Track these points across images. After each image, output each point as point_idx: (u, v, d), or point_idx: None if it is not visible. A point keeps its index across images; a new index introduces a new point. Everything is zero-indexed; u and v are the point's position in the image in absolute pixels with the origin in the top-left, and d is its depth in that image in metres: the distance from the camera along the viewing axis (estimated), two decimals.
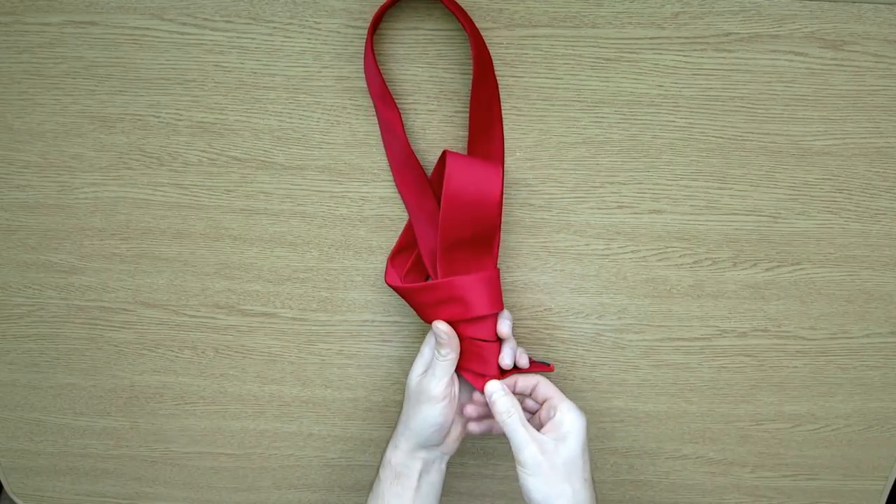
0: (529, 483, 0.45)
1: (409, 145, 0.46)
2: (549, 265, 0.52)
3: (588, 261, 0.52)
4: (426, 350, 0.50)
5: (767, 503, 0.63)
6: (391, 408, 0.59)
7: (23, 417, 0.62)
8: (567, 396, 0.48)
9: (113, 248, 0.53)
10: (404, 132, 0.46)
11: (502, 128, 0.47)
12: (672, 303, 0.53)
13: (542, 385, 0.49)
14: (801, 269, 0.52)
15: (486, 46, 0.44)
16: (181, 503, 0.66)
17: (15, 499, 0.66)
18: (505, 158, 0.48)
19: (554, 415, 0.47)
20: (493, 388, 0.47)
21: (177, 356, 0.58)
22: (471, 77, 0.45)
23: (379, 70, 0.44)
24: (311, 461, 0.63)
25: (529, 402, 0.50)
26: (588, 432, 0.47)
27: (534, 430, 0.46)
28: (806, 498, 0.63)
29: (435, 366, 0.48)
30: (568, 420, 0.46)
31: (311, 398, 0.59)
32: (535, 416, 0.50)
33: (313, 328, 0.56)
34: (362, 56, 0.45)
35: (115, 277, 0.54)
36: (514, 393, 0.49)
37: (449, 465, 0.63)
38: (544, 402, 0.48)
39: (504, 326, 0.48)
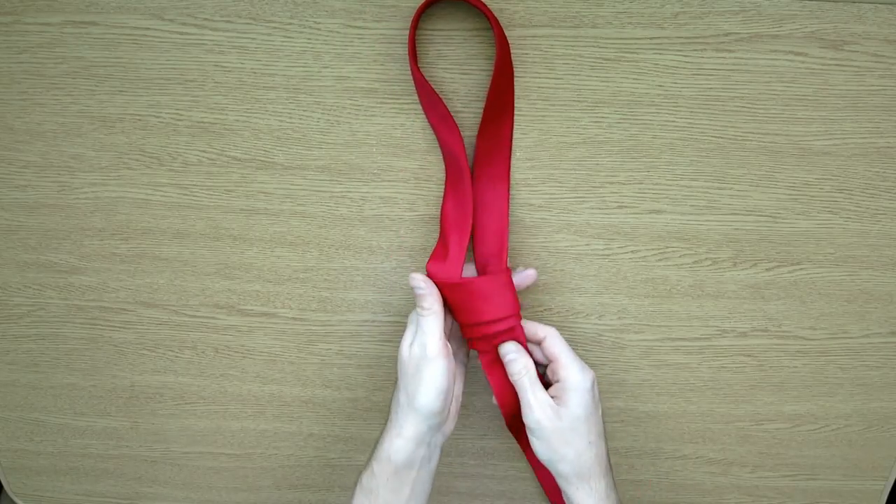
0: (535, 445, 0.47)
1: (469, 169, 0.47)
2: (549, 265, 0.52)
3: (588, 261, 0.52)
4: (411, 325, 0.48)
5: (767, 503, 0.63)
6: None
7: (23, 417, 0.62)
8: (575, 353, 0.47)
9: (113, 248, 0.53)
10: (465, 154, 0.46)
11: (513, 120, 0.47)
12: (672, 303, 0.53)
13: (548, 340, 0.48)
14: (801, 269, 0.52)
15: (505, 38, 0.43)
16: (181, 503, 0.66)
17: (15, 499, 0.66)
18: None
19: (559, 378, 0.46)
20: (509, 348, 0.47)
21: (177, 356, 0.58)
22: (470, 76, 0.45)
23: (433, 90, 0.45)
24: (311, 461, 0.63)
25: (538, 355, 0.49)
26: (596, 391, 0.47)
27: (542, 393, 0.46)
28: (806, 498, 0.63)
29: (421, 325, 0.46)
30: (571, 384, 0.46)
31: (311, 398, 0.59)
32: (546, 372, 0.49)
33: (313, 328, 0.56)
34: (362, 56, 0.45)
35: (115, 277, 0.54)
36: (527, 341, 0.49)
37: (449, 464, 0.63)
38: (552, 361, 0.47)
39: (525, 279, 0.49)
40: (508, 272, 0.48)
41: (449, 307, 0.48)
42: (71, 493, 0.66)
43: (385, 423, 0.49)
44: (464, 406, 0.59)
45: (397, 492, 0.47)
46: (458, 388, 0.50)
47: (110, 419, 0.61)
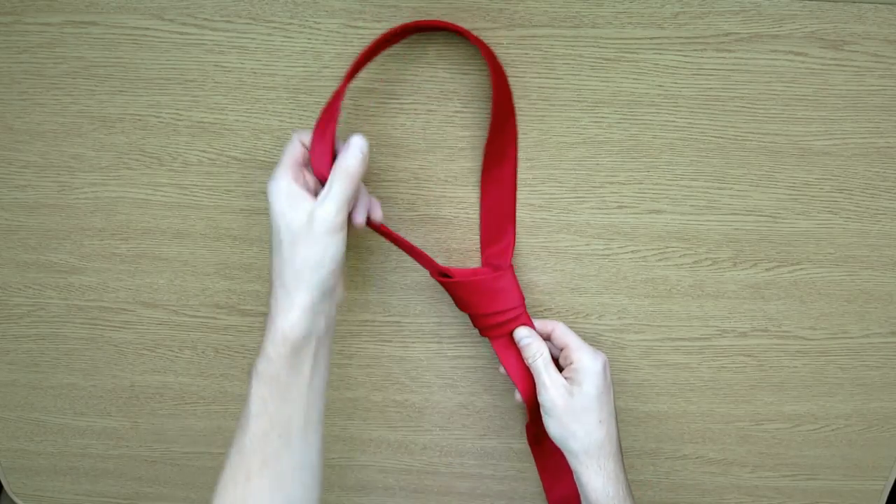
0: (547, 422, 0.49)
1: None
2: (549, 265, 0.52)
3: (588, 261, 0.52)
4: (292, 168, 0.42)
5: (767, 503, 0.63)
6: (391, 408, 0.59)
7: (23, 417, 0.62)
8: (584, 340, 0.50)
9: (113, 248, 0.53)
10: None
11: (516, 130, 0.47)
12: (672, 303, 0.53)
13: (558, 331, 0.51)
14: (801, 269, 0.52)
15: (508, 86, 0.45)
16: (181, 503, 0.66)
17: (15, 499, 0.66)
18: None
19: (571, 361, 0.49)
20: (523, 333, 0.50)
21: (177, 356, 0.58)
22: (470, 76, 0.45)
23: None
24: None
25: (550, 346, 0.51)
26: (608, 374, 0.49)
27: (556, 375, 0.49)
28: (806, 498, 0.63)
29: (336, 191, 0.41)
30: (583, 367, 0.48)
31: None
32: (559, 358, 0.52)
33: None
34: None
35: (115, 277, 0.54)
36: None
37: (449, 464, 0.63)
38: (563, 348, 0.50)
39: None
40: (511, 269, 0.50)
41: (460, 302, 0.50)
42: (71, 493, 0.66)
43: (269, 303, 0.43)
44: (464, 406, 0.59)
45: (298, 371, 0.43)
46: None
47: (110, 419, 0.61)
